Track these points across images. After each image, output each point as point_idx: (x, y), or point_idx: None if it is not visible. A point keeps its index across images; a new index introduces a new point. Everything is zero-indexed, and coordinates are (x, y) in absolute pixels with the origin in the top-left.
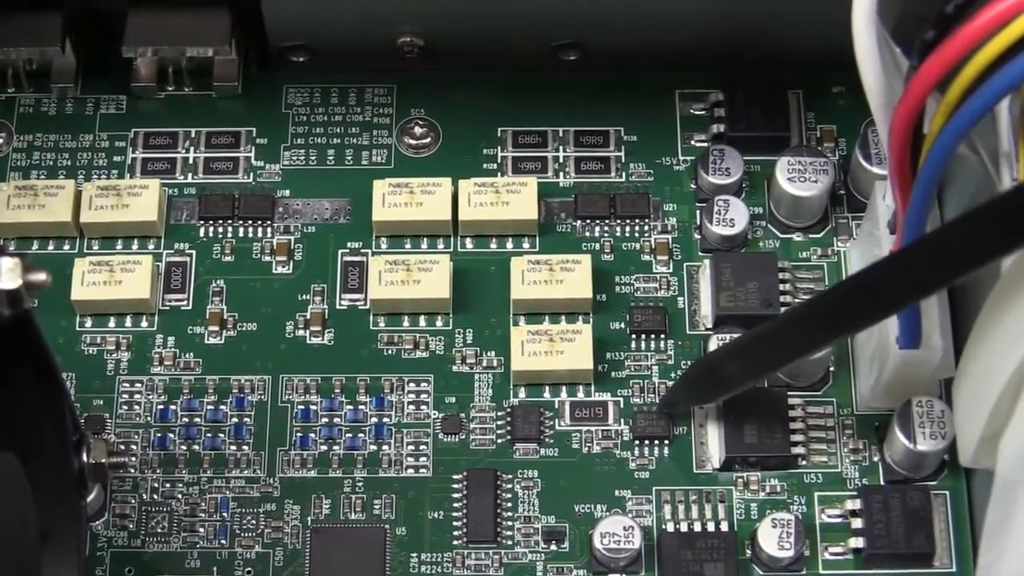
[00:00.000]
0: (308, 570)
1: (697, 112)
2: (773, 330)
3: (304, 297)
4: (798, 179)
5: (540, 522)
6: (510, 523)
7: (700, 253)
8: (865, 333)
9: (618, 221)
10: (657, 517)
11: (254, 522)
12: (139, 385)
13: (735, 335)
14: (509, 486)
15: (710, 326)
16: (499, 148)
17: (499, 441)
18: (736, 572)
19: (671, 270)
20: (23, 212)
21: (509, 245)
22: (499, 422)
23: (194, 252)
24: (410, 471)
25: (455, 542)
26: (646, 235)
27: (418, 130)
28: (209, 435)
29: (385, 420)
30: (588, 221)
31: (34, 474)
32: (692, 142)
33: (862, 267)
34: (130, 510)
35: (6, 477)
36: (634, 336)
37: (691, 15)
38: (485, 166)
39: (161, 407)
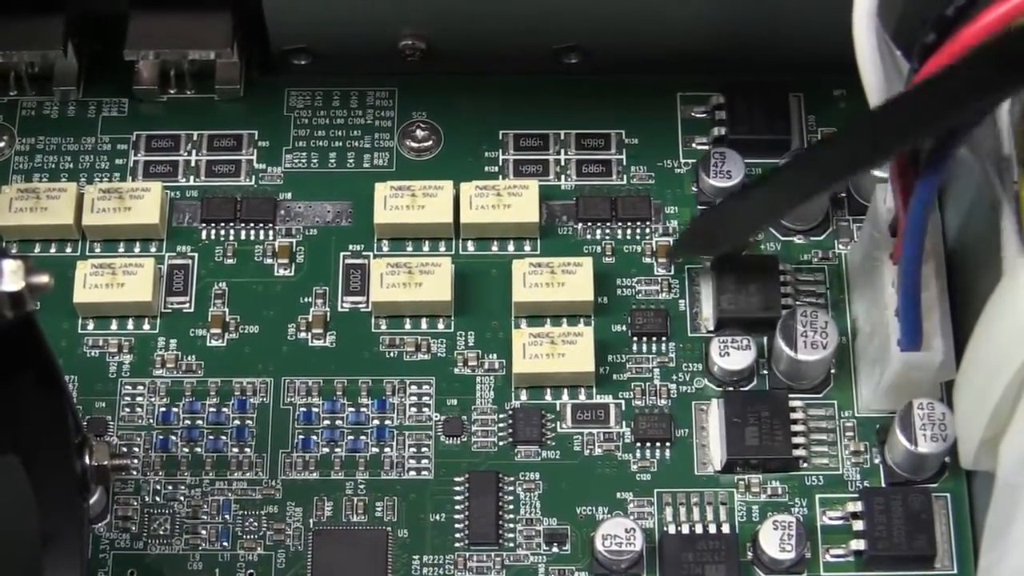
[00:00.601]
0: (310, 572)
1: (698, 115)
2: (781, 170)
3: (306, 300)
4: None
5: (542, 524)
6: (512, 525)
7: (701, 255)
8: (866, 336)
9: (619, 224)
10: (659, 519)
11: (256, 524)
12: (141, 388)
13: (736, 338)
14: (511, 488)
15: (711, 329)
16: (500, 151)
17: (501, 443)
18: (737, 574)
19: (672, 273)
20: (25, 215)
21: (510, 248)
22: (500, 424)
23: (196, 255)
24: (412, 473)
25: (456, 544)
26: (647, 238)
27: (420, 133)
28: (211, 437)
29: (387, 422)
30: (589, 224)
31: (36, 477)
32: (693, 145)
33: (863, 270)
34: (132, 512)
35: (8, 480)
36: (635, 338)
37: (692, 18)
38: (486, 169)
39: (163, 409)
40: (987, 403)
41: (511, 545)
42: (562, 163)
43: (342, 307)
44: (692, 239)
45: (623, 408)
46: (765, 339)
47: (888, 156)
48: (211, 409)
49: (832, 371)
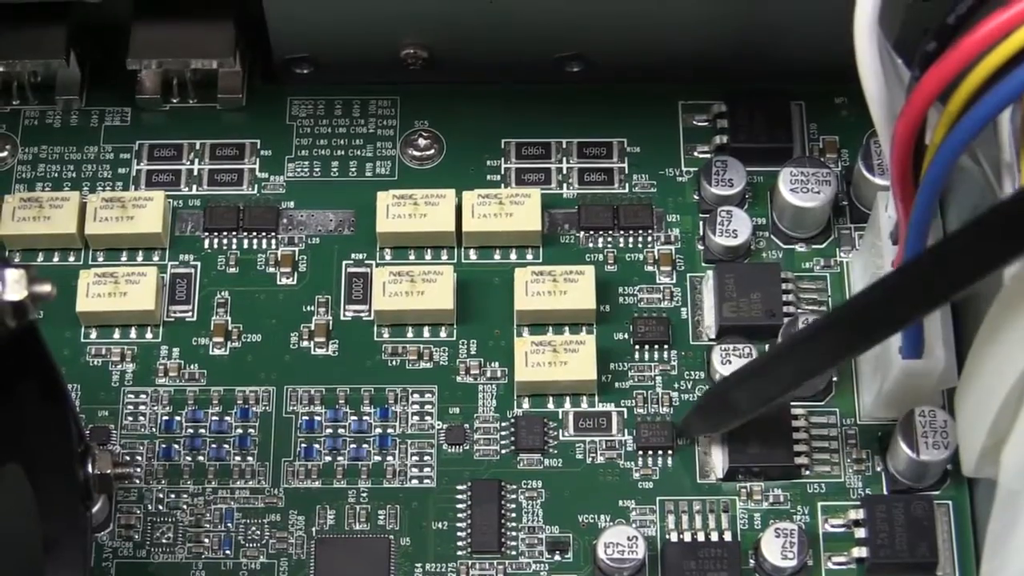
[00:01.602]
0: None
1: (700, 123)
2: (781, 355)
3: (308, 308)
4: (801, 190)
5: (544, 532)
6: (514, 533)
7: (703, 264)
8: None
9: (621, 232)
10: (661, 527)
11: (259, 533)
12: (144, 396)
13: (738, 346)
14: (513, 496)
15: (713, 336)
16: (502, 159)
17: (503, 451)
18: None
19: (674, 281)
20: (28, 224)
21: (513, 256)
22: (503, 432)
23: (199, 263)
24: (414, 482)
25: (459, 552)
26: (649, 246)
27: (422, 141)
28: (214, 446)
29: (389, 431)
30: (591, 232)
31: (39, 485)
32: (695, 153)
33: (864, 277)
34: (135, 521)
35: (11, 488)
36: (637, 347)
37: (694, 27)
38: (489, 177)
39: (166, 418)
40: (989, 411)
41: (513, 553)
42: (564, 171)
43: (344, 316)
44: (701, 418)
45: (625, 416)
46: (767, 347)
47: (901, 327)
48: (214, 418)
49: (834, 379)
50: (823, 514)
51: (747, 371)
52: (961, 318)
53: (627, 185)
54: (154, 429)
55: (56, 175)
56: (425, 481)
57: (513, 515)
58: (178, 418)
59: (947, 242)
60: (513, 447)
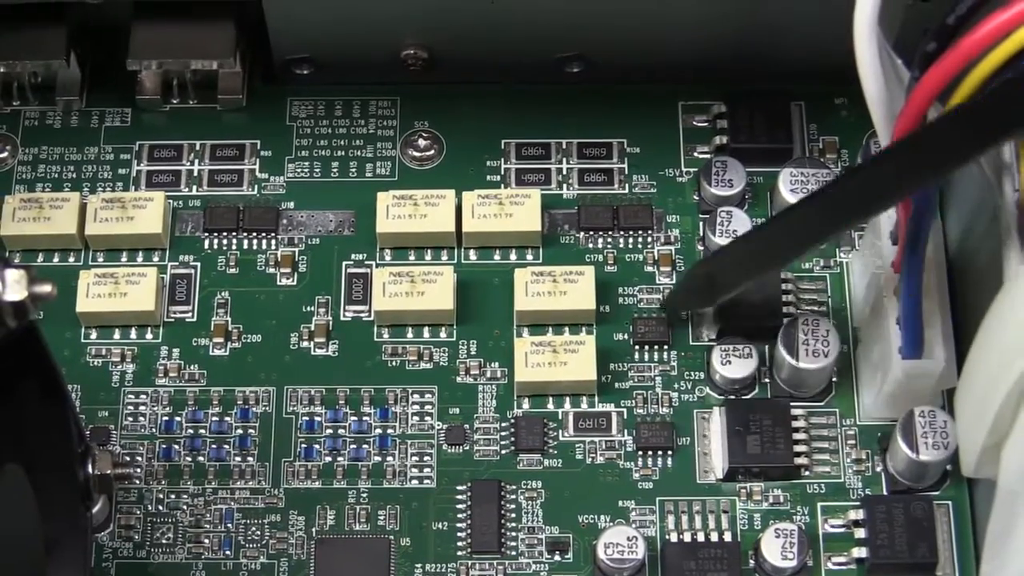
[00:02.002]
0: None
1: (700, 124)
2: (770, 229)
3: (308, 309)
4: (801, 190)
5: (544, 533)
6: (514, 534)
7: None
8: (868, 343)
9: (621, 232)
10: (661, 527)
11: (259, 533)
12: (144, 397)
13: (738, 346)
14: (513, 497)
15: (713, 337)
16: (502, 160)
17: (503, 452)
18: None
19: (674, 281)
20: (28, 224)
21: (512, 256)
22: (503, 433)
23: (199, 264)
24: (414, 482)
25: (459, 553)
26: (649, 246)
27: (422, 142)
28: (214, 446)
29: (389, 431)
30: (591, 232)
31: (40, 485)
32: (695, 154)
33: (864, 277)
34: (135, 521)
35: (12, 488)
36: (637, 347)
37: (694, 27)
38: (489, 178)
39: (166, 418)
40: (988, 411)
41: (513, 553)
42: (564, 172)
43: (344, 316)
44: (686, 293)
45: (625, 416)
46: (767, 347)
47: (882, 209)
48: (214, 418)
49: (834, 379)
50: (823, 514)
51: (736, 246)
52: (961, 317)
53: (627, 186)
54: (154, 429)
55: (56, 176)
56: (425, 481)
57: (513, 515)
58: (178, 418)
59: (944, 118)
60: (513, 447)
